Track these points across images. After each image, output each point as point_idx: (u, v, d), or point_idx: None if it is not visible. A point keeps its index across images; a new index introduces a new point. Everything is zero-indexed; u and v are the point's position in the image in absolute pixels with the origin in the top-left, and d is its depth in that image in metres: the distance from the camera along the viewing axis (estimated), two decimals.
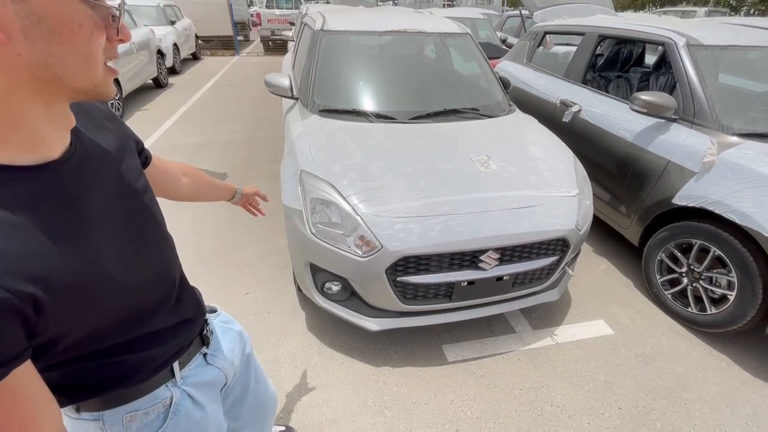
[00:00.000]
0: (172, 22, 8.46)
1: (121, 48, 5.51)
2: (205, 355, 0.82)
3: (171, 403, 0.72)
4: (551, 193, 1.89)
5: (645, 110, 2.29)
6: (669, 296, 2.26)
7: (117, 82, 5.20)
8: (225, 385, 0.87)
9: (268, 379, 1.11)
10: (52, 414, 0.50)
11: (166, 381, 0.72)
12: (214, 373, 0.83)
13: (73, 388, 0.61)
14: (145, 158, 0.80)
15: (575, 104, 2.96)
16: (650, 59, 3.82)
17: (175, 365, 0.73)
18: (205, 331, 0.82)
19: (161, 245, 0.70)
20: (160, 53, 7.10)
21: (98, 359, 0.61)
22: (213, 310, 0.95)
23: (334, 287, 1.82)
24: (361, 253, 1.65)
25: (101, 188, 0.58)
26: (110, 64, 0.51)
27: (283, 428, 1.56)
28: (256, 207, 1.30)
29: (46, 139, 0.50)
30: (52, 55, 0.43)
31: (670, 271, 2.25)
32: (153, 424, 0.70)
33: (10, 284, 0.42)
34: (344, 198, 1.73)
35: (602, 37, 3.11)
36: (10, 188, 0.46)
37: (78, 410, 0.66)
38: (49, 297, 0.46)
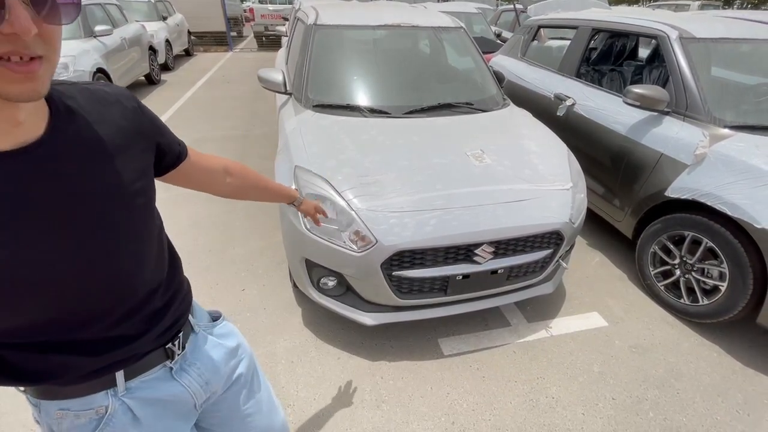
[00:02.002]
0: (164, 18, 8.37)
1: (113, 44, 5.46)
2: (171, 368, 0.75)
3: (106, 412, 0.67)
4: (545, 186, 1.90)
5: (638, 103, 2.30)
6: (662, 288, 2.28)
7: (108, 78, 5.15)
8: (195, 404, 0.80)
9: (278, 406, 1.02)
10: None
11: (106, 388, 0.67)
12: (176, 390, 0.75)
13: (2, 370, 0.60)
14: (177, 156, 0.77)
15: (569, 98, 2.96)
16: (644, 53, 3.82)
17: (119, 374, 0.68)
18: (170, 345, 0.74)
19: (126, 256, 0.63)
20: (152, 49, 7.03)
21: (23, 351, 0.58)
22: (216, 318, 0.90)
23: (330, 282, 1.82)
24: (356, 248, 1.65)
25: (63, 186, 0.54)
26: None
27: None
28: (315, 218, 1.25)
29: None
30: None
31: (663, 263, 2.27)
32: (83, 429, 0.66)
33: None
34: (339, 193, 1.72)
35: (596, 31, 3.12)
36: None
37: (24, 391, 0.66)
38: None
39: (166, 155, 0.75)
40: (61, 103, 0.56)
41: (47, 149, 0.53)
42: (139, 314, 0.68)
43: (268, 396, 0.99)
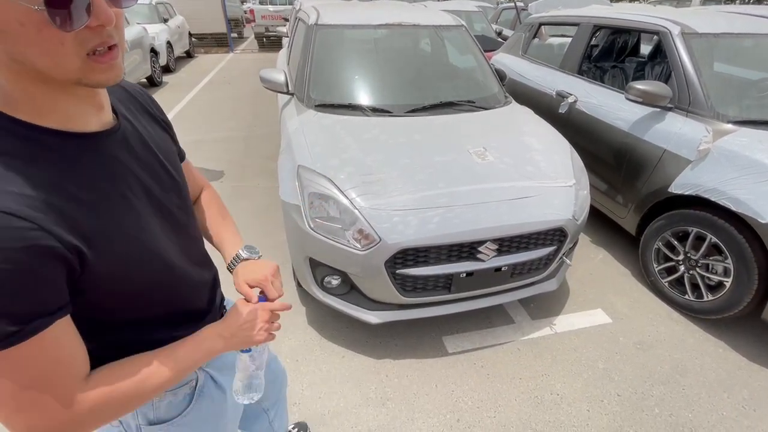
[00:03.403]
0: (165, 20, 8.38)
1: None
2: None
3: (196, 384, 0.75)
4: (548, 183, 1.90)
5: (640, 99, 2.30)
6: (666, 284, 2.28)
7: None
8: None
9: (275, 354, 1.16)
10: (82, 366, 0.53)
11: None
12: (232, 356, 0.84)
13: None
14: (178, 154, 0.84)
15: (571, 95, 2.96)
16: (645, 49, 3.82)
17: None
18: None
19: (191, 229, 0.72)
20: (154, 51, 7.04)
21: (134, 334, 0.62)
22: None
23: (334, 281, 1.83)
24: (359, 246, 1.65)
25: (144, 165, 0.61)
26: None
27: (296, 429, 1.56)
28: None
29: (78, 115, 0.53)
30: (16, 53, 0.43)
31: (667, 259, 2.27)
32: (180, 404, 0.73)
33: (61, 235, 0.46)
34: (342, 192, 1.73)
35: (597, 28, 3.11)
36: (63, 152, 0.50)
37: None
38: (93, 254, 0.50)
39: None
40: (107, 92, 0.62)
41: (123, 131, 0.59)
42: (208, 286, 0.77)
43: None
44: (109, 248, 0.52)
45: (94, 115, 0.55)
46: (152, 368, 0.57)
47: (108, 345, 0.60)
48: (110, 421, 0.55)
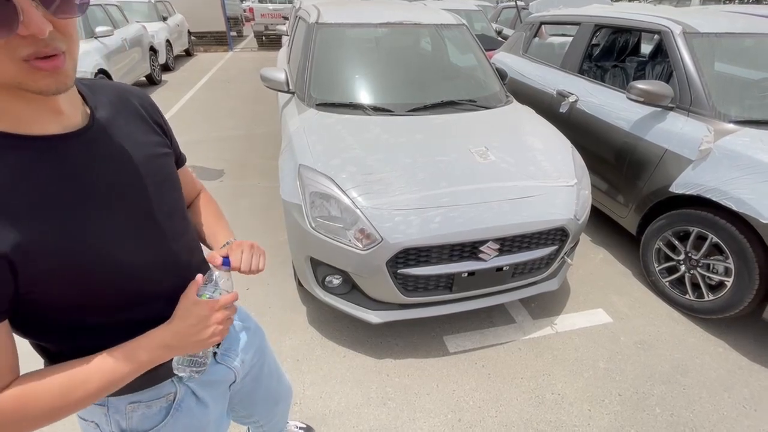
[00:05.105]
0: (164, 18, 8.36)
1: (114, 45, 5.47)
2: (215, 353, 0.81)
3: (174, 398, 0.72)
4: (549, 183, 1.89)
5: (642, 99, 2.30)
6: (667, 284, 2.28)
7: (109, 79, 5.15)
8: (234, 382, 0.87)
9: (282, 370, 1.11)
10: (4, 375, 0.51)
11: (172, 376, 0.72)
12: (223, 372, 0.83)
13: None
14: (178, 157, 0.80)
15: (572, 94, 2.95)
16: (646, 48, 3.82)
17: None
18: None
19: (171, 236, 0.68)
20: (153, 50, 7.03)
21: (96, 340, 0.60)
22: None
23: (335, 281, 1.83)
24: (361, 246, 1.65)
25: (118, 168, 0.60)
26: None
27: (304, 426, 1.57)
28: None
29: (31, 118, 0.51)
30: None
31: (668, 259, 2.27)
32: (154, 417, 0.71)
33: None
34: (343, 191, 1.72)
35: (598, 27, 3.11)
36: (10, 155, 0.49)
37: None
38: (27, 260, 0.48)
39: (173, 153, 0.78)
40: (91, 94, 0.62)
41: (93, 134, 0.58)
42: None
43: (276, 361, 1.08)
44: (48, 255, 0.50)
45: (53, 119, 0.53)
46: (76, 382, 0.54)
47: (72, 348, 0.58)
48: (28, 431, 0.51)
